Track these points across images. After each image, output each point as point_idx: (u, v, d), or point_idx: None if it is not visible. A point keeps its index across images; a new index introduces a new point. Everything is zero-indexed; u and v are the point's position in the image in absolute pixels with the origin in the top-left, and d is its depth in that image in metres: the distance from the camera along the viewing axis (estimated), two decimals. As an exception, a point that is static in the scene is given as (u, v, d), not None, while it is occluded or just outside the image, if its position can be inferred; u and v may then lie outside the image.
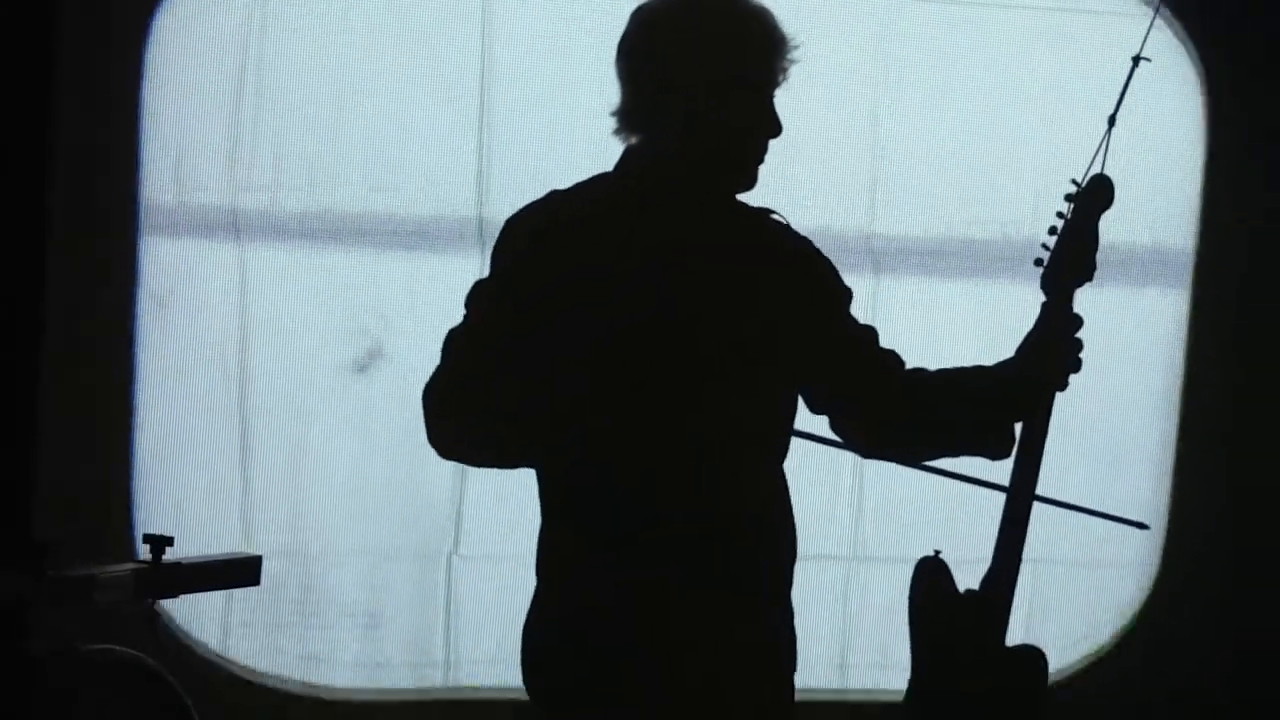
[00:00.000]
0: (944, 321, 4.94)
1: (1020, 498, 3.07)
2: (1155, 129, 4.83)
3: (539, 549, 2.96)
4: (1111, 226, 3.17)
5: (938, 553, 3.09)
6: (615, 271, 2.87)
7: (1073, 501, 4.03)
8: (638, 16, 2.99)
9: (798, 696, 2.99)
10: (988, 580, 3.08)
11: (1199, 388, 5.06)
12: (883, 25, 4.93)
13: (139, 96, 4.62)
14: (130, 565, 3.52)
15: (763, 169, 2.98)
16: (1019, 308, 3.25)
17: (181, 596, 3.71)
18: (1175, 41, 4.94)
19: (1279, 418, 5.09)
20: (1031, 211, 4.87)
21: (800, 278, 3.05)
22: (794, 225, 3.07)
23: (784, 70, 2.96)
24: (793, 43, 2.96)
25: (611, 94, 2.99)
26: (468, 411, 2.86)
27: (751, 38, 2.95)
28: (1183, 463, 5.06)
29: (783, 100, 2.98)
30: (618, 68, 2.98)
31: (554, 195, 2.99)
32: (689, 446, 2.88)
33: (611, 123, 3.00)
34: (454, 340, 2.91)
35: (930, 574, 3.08)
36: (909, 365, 3.09)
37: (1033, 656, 3.11)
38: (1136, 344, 5.03)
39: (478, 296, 2.94)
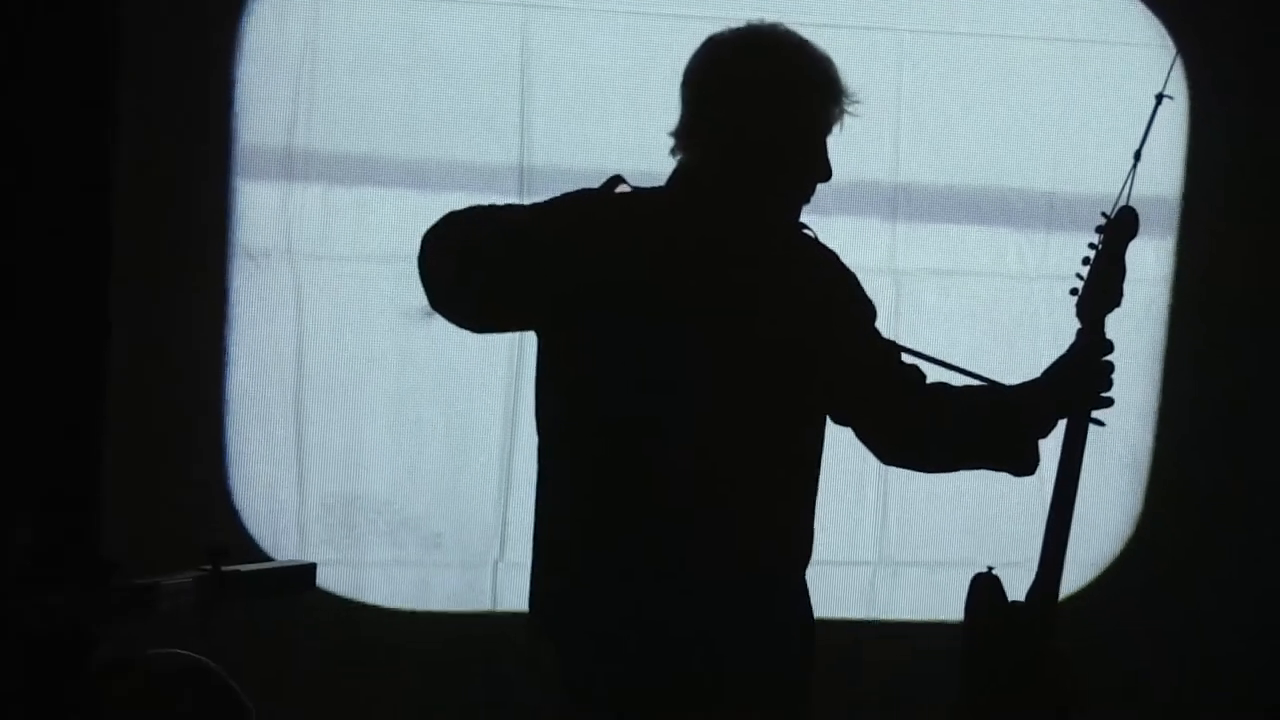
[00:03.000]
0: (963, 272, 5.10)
1: (1061, 514, 3.22)
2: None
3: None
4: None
5: (990, 569, 3.23)
6: (655, 279, 3.00)
7: None
8: (709, 46, 3.13)
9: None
10: (1033, 592, 3.23)
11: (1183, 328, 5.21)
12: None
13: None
14: (191, 574, 3.66)
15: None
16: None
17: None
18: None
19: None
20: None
21: (828, 295, 3.19)
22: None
23: (840, 119, 3.11)
24: (852, 95, 3.10)
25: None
26: (479, 256, 2.97)
27: (816, 84, 3.09)
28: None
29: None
30: (683, 92, 3.12)
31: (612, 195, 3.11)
32: (709, 456, 3.02)
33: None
34: (491, 208, 3.04)
35: (984, 589, 3.22)
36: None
37: (1063, 659, 3.26)
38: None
39: (529, 210, 3.06)
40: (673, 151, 3.14)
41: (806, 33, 3.14)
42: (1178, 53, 3.45)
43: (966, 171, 5.09)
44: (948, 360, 3.22)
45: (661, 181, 3.14)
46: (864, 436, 3.28)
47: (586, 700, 3.07)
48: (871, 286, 3.30)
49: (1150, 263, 5.09)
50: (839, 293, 3.24)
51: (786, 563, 3.14)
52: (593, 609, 3.05)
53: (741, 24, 3.13)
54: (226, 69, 4.82)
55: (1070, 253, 3.71)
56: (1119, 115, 4.64)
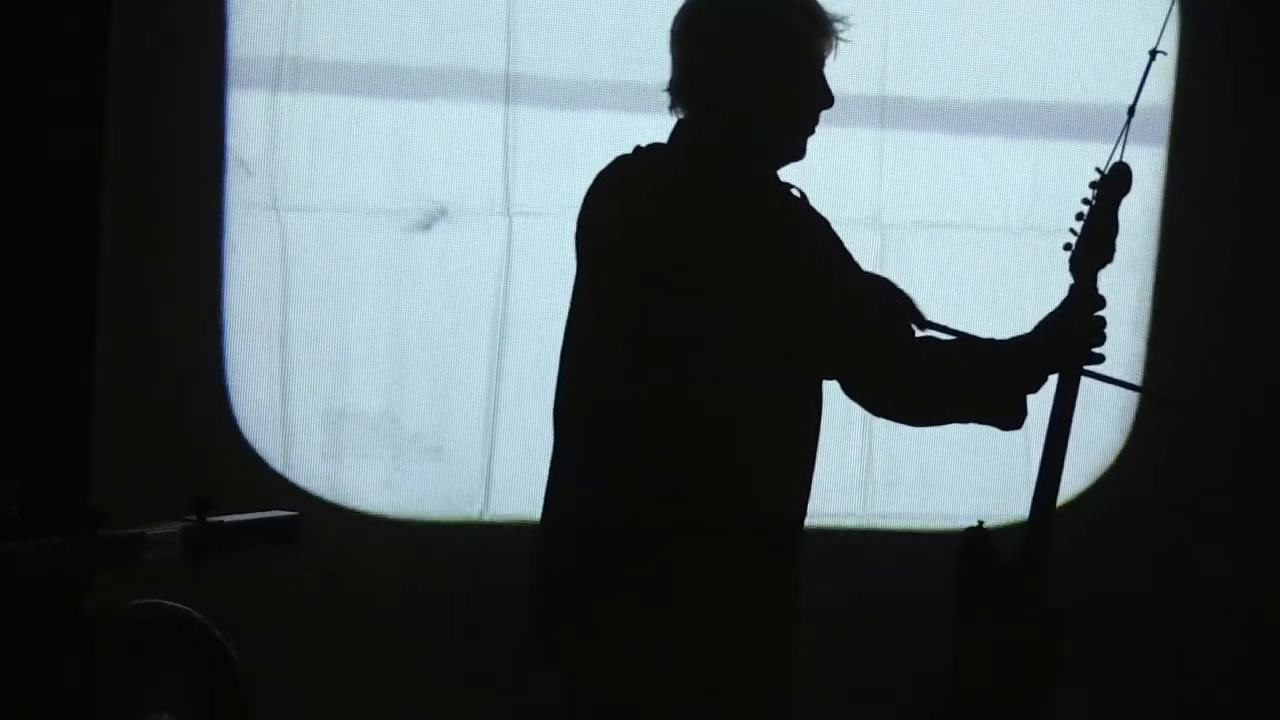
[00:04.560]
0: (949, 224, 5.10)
1: (1051, 468, 3.24)
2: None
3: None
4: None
5: (981, 523, 3.25)
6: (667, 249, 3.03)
7: None
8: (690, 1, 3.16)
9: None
10: (1022, 546, 3.25)
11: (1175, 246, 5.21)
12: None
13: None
14: (178, 524, 3.67)
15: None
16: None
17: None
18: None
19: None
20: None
21: (821, 253, 3.18)
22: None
23: (833, 47, 3.15)
24: (841, 21, 3.15)
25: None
26: None
27: (803, 17, 3.13)
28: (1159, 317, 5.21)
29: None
30: (673, 48, 3.16)
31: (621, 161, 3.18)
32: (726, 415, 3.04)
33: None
34: None
35: (975, 544, 3.25)
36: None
37: (1058, 618, 3.28)
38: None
39: None
40: (671, 108, 3.17)
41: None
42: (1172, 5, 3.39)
43: (957, 85, 5.13)
44: (938, 321, 3.22)
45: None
46: (852, 390, 3.27)
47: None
48: (856, 240, 3.29)
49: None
50: (825, 239, 3.22)
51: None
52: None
53: None
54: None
55: (1057, 206, 3.73)
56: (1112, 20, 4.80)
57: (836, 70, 3.19)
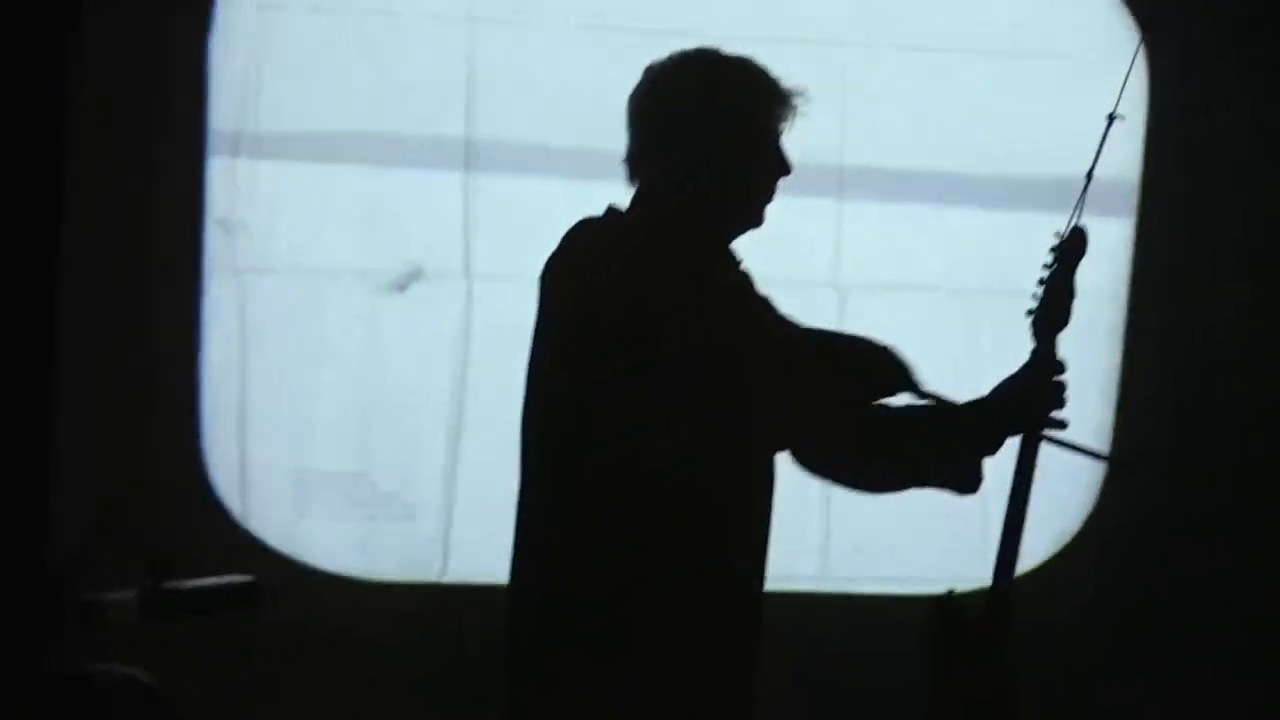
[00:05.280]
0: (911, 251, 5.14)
1: (1012, 534, 3.23)
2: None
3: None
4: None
5: (951, 591, 3.24)
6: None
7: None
8: (649, 75, 3.20)
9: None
10: (985, 612, 3.23)
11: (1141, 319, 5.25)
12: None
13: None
14: (133, 590, 3.64)
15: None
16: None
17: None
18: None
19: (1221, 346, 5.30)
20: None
21: (771, 317, 3.23)
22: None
23: (789, 118, 3.18)
24: (797, 94, 3.18)
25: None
26: None
27: (758, 91, 3.17)
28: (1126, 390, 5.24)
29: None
30: (630, 122, 3.20)
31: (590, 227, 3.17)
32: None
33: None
34: None
35: (945, 612, 3.23)
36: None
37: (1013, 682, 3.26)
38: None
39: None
40: (629, 179, 3.22)
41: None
42: (1130, 67, 3.42)
43: (914, 154, 5.16)
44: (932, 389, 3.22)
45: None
46: (804, 458, 3.29)
47: None
48: (814, 301, 3.32)
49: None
50: (770, 311, 3.28)
51: None
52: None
53: (677, 52, 3.22)
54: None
55: (1018, 267, 3.74)
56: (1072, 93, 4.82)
57: (794, 139, 3.22)
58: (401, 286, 4.96)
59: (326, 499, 5.03)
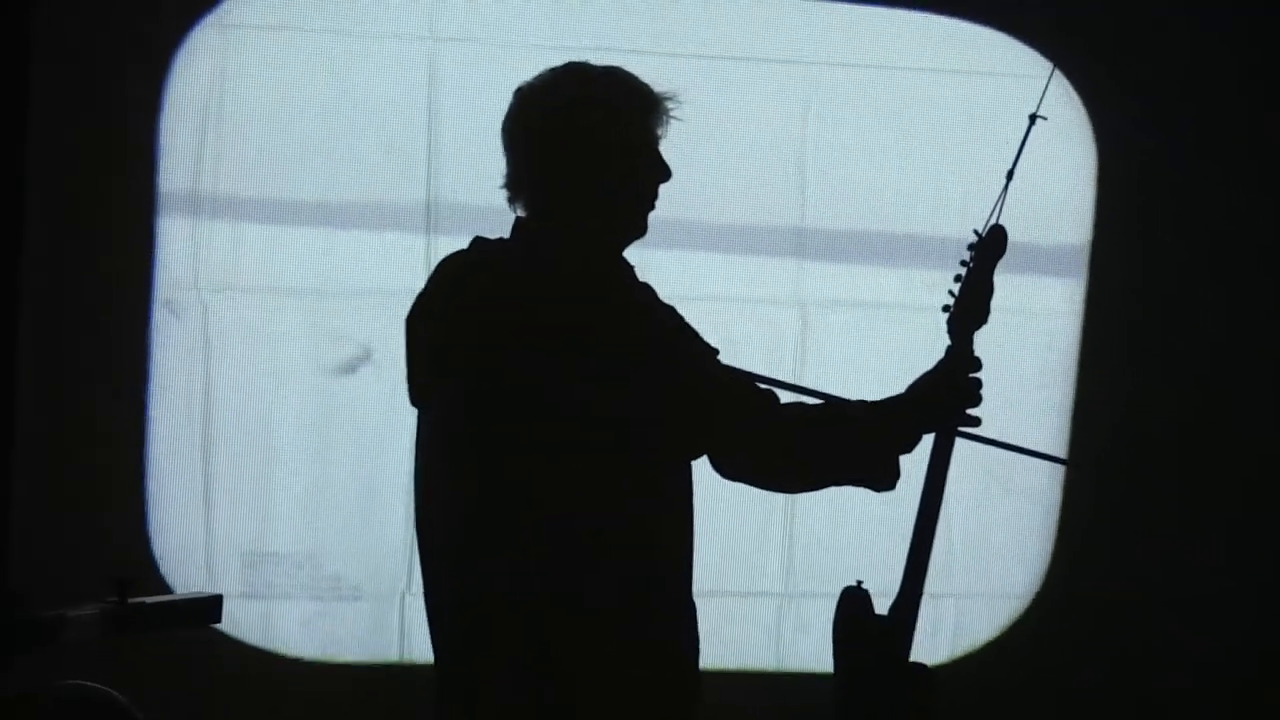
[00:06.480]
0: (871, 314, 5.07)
1: (925, 529, 3.25)
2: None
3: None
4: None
5: (860, 583, 3.26)
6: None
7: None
8: (518, 96, 3.22)
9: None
10: (895, 606, 3.25)
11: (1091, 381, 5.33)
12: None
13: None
14: (97, 605, 3.70)
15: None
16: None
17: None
18: (1070, 96, 5.22)
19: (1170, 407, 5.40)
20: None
21: (670, 325, 3.28)
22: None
23: (665, 122, 3.20)
24: (669, 98, 3.20)
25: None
26: None
27: (629, 98, 3.19)
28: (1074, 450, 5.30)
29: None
30: (505, 145, 3.21)
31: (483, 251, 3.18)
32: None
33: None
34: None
35: (852, 603, 3.25)
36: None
37: (924, 672, 3.28)
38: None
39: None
40: (510, 203, 3.22)
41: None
42: (1051, 73, 3.46)
43: (871, 216, 5.15)
44: (794, 383, 3.26)
45: None
46: (721, 462, 3.28)
47: None
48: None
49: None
50: (674, 322, 3.30)
51: None
52: None
53: (545, 70, 3.23)
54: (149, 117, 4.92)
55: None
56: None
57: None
58: (351, 369, 4.98)
59: (285, 581, 5.04)
